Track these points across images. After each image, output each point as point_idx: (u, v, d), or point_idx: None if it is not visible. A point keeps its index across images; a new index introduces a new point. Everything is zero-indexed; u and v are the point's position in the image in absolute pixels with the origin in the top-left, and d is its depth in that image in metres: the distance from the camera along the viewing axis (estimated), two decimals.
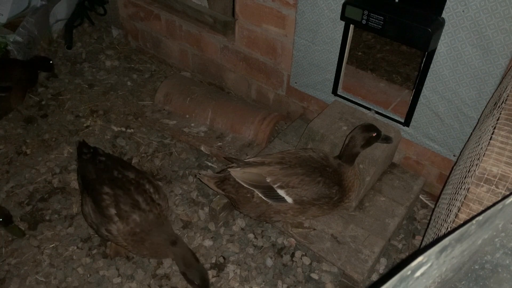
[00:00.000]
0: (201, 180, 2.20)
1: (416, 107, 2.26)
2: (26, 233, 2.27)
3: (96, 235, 2.28)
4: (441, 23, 1.91)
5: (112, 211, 1.91)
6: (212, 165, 2.71)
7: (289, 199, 1.96)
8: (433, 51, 2.02)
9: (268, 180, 1.96)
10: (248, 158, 2.16)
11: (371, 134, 1.98)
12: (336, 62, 2.42)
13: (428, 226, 2.04)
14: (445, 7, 1.87)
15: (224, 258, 2.22)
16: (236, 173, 2.00)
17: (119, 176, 2.02)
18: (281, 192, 1.96)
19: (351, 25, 2.23)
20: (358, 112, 2.45)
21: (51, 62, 3.19)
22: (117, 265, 2.16)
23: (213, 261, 2.20)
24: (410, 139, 2.40)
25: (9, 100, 2.86)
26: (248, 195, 2.03)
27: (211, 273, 2.14)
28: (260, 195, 1.99)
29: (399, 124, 2.38)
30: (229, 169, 2.03)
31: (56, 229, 2.31)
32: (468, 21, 1.85)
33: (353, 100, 2.51)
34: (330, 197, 1.98)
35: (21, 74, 2.92)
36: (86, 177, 2.05)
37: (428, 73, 2.11)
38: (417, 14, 1.93)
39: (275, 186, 1.95)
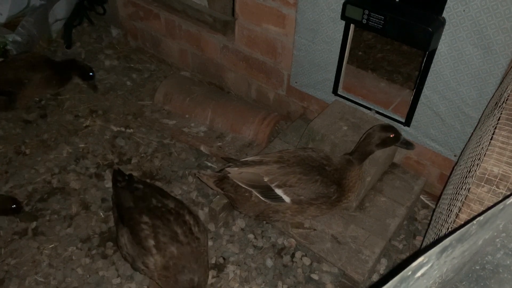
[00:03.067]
0: (200, 179, 2.19)
1: (417, 107, 2.25)
2: (26, 232, 2.26)
3: (96, 235, 2.28)
4: (442, 23, 1.90)
5: (151, 242, 1.80)
6: (212, 165, 2.71)
7: (287, 199, 1.95)
8: (434, 51, 2.01)
9: (265, 180, 1.95)
10: (246, 158, 2.15)
11: (388, 134, 1.94)
12: (336, 62, 2.42)
13: (428, 227, 2.04)
14: (446, 6, 1.87)
15: (224, 258, 2.21)
16: (234, 173, 1.99)
17: (158, 205, 1.91)
18: (278, 192, 1.94)
19: (351, 24, 2.22)
20: (359, 112, 2.44)
21: (91, 74, 3.04)
22: (116, 265, 2.15)
23: (213, 261, 2.19)
24: (410, 139, 2.40)
25: (15, 100, 2.88)
26: (247, 194, 2.02)
27: (211, 274, 2.13)
28: (258, 195, 1.98)
29: (399, 124, 2.38)
30: (226, 169, 2.03)
31: (55, 230, 2.30)
32: (468, 20, 1.84)
33: (354, 100, 2.50)
34: (328, 196, 1.96)
35: (40, 78, 2.88)
36: (122, 205, 1.95)
37: (429, 73, 2.10)
38: (417, 14, 1.92)
39: (272, 185, 1.94)
